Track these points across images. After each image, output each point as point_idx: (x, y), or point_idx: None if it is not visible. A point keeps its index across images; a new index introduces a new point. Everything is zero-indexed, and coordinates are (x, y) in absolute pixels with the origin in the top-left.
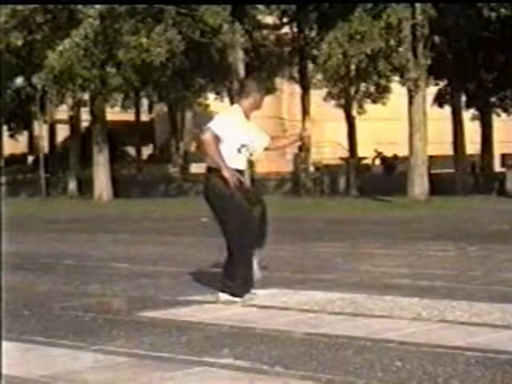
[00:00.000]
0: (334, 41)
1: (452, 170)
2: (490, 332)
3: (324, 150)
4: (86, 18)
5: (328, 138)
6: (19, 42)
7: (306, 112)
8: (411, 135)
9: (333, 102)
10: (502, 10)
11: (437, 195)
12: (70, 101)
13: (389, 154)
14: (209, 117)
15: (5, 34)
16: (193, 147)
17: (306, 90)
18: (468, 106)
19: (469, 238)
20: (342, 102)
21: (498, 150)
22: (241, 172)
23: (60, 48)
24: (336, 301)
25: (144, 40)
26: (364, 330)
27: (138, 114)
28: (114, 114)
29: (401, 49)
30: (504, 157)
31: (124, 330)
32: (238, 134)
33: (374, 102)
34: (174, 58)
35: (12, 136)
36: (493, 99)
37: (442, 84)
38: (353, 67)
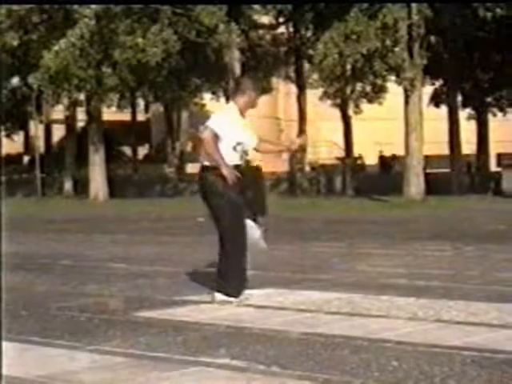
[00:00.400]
0: (330, 40)
1: (448, 170)
2: (487, 331)
3: (320, 149)
4: (82, 18)
5: (324, 138)
6: (15, 42)
7: (302, 112)
8: (407, 135)
9: (329, 102)
10: (498, 10)
11: (433, 195)
12: (65, 101)
13: (385, 153)
14: (205, 117)
15: (0, 34)
16: (189, 147)
17: (302, 89)
18: (464, 106)
19: (465, 238)
20: (338, 101)
21: (493, 149)
22: (237, 167)
23: (56, 48)
24: (333, 300)
25: (140, 40)
26: (361, 329)
27: (133, 113)
28: (110, 113)
29: (397, 49)
30: (500, 156)
31: (120, 330)
32: (234, 132)
33: (370, 101)
34: (170, 58)
35: (8, 136)
36: (489, 99)
37: (438, 84)
38: (349, 67)
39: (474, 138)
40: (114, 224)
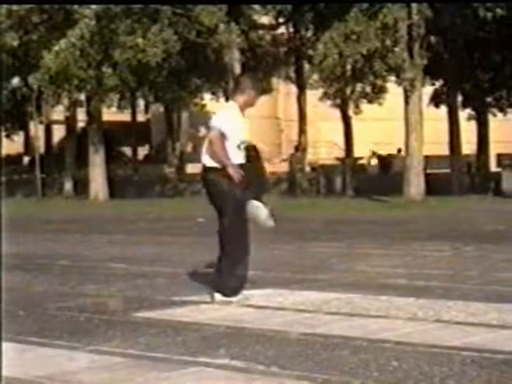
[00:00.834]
0: (330, 41)
1: (448, 170)
2: (486, 332)
3: (320, 150)
4: (82, 19)
5: (324, 138)
6: (15, 43)
7: (302, 112)
8: (407, 135)
9: (329, 102)
10: (498, 10)
11: (433, 195)
12: (66, 101)
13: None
14: (205, 117)
15: (0, 34)
16: (189, 148)
17: (302, 90)
18: (464, 106)
19: (464, 238)
20: (338, 102)
21: (493, 149)
22: (242, 165)
23: (56, 48)
24: (332, 301)
25: (140, 40)
26: (360, 330)
27: (134, 114)
28: (110, 114)
29: (397, 49)
30: (500, 157)
31: (120, 330)
32: (237, 130)
33: (370, 102)
34: (170, 58)
35: (8, 136)
36: (489, 99)
37: (438, 84)
38: (349, 67)
39: (474, 139)
40: (114, 224)
